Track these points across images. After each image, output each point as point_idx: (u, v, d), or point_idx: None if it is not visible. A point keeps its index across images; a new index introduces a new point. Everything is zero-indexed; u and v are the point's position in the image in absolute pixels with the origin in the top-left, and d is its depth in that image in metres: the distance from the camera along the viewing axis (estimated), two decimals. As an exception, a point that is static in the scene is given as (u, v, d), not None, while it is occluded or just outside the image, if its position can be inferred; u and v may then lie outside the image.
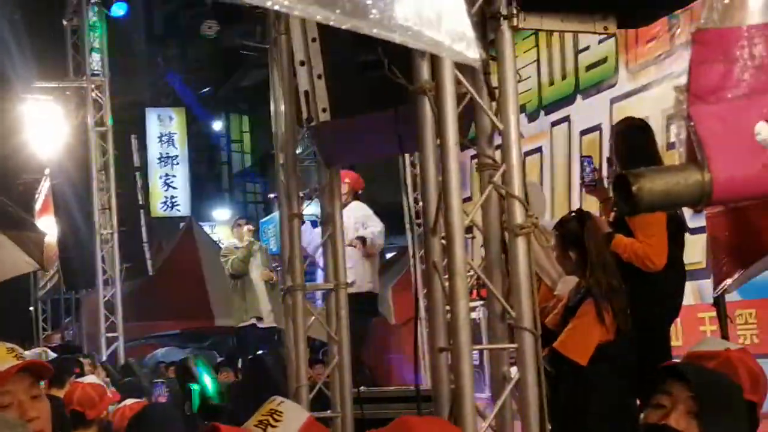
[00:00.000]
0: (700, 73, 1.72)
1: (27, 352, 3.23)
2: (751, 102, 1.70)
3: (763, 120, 1.69)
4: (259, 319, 10.49)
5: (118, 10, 13.64)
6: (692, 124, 1.70)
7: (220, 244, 17.13)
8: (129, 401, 5.70)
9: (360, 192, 8.30)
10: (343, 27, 1.76)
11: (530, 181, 8.37)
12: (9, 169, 17.42)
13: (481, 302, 6.82)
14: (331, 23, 1.77)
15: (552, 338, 4.81)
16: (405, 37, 1.76)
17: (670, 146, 7.10)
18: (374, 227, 8.06)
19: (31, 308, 19.17)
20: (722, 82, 1.72)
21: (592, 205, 6.37)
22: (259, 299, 10.53)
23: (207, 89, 30.44)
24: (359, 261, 7.85)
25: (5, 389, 2.79)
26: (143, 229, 15.82)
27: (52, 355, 8.41)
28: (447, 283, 3.43)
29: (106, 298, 13.80)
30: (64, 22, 14.68)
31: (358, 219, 7.91)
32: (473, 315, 7.55)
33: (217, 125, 32.69)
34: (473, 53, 1.80)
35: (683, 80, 1.86)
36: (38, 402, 2.87)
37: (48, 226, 14.46)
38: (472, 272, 3.65)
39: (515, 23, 3.54)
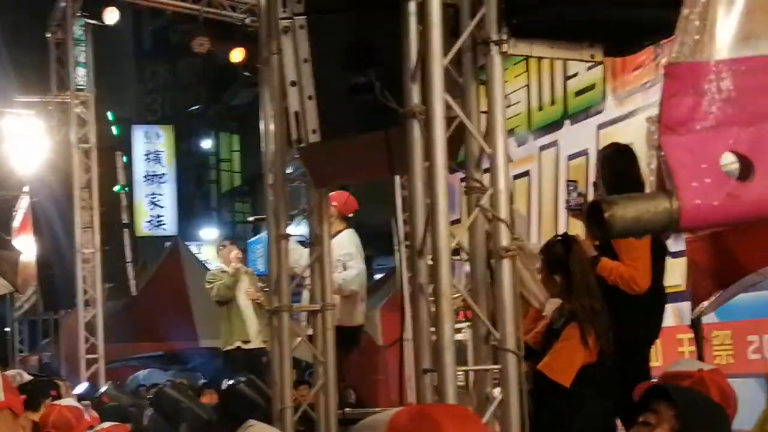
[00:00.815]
0: (670, 106, 1.79)
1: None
2: (718, 134, 1.76)
3: (729, 151, 1.75)
4: (246, 342, 10.33)
5: (111, 17, 13.35)
6: (662, 154, 1.76)
7: (207, 264, 17.04)
8: (107, 424, 5.49)
9: (350, 215, 8.11)
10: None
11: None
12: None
13: (468, 323, 6.85)
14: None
15: (531, 355, 4.86)
16: None
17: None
18: (352, 270, 7.76)
19: (7, 329, 18.81)
20: (691, 114, 1.78)
21: (578, 228, 6.42)
22: (247, 322, 10.33)
23: (196, 107, 30.42)
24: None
25: None
26: (127, 249, 15.65)
27: (28, 377, 8.24)
28: (433, 305, 3.47)
29: (87, 319, 13.54)
30: (48, 35, 14.49)
31: (341, 257, 7.54)
32: (459, 336, 7.58)
33: (206, 144, 32.65)
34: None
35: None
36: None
37: (27, 245, 14.29)
38: (458, 294, 3.68)
39: (505, 49, 3.59)
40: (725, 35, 1.86)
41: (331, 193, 7.63)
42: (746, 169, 1.76)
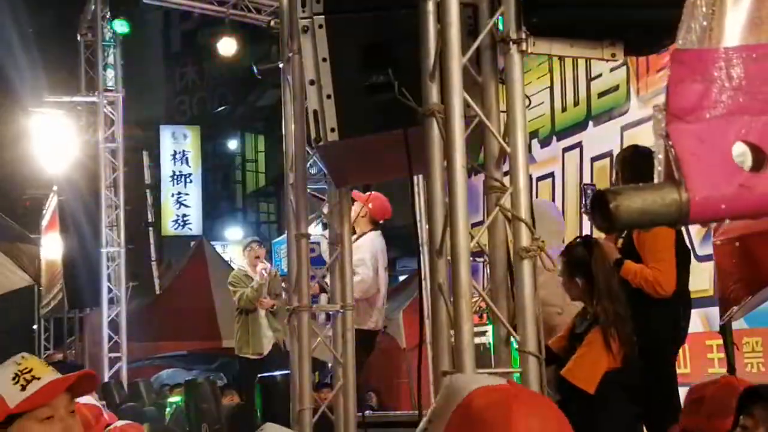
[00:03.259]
0: (678, 93, 1.72)
1: None
2: (729, 122, 1.70)
3: (740, 140, 1.69)
4: (259, 354, 10.26)
5: (122, 27, 13.60)
6: (670, 142, 1.70)
7: (232, 264, 17.04)
8: (120, 423, 5.44)
9: (381, 222, 8.02)
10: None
11: (548, 203, 8.29)
12: (16, 183, 17.22)
13: (491, 326, 6.80)
14: None
15: (555, 360, 4.81)
16: None
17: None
18: (355, 276, 7.55)
19: (35, 326, 18.94)
20: (700, 101, 1.72)
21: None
22: (262, 338, 10.25)
23: (223, 108, 30.57)
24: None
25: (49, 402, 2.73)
26: (152, 248, 15.70)
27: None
28: (452, 306, 3.42)
29: (110, 317, 13.59)
30: (78, 37, 14.63)
31: (354, 263, 7.33)
32: (482, 339, 7.51)
33: (232, 144, 32.78)
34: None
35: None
36: (74, 417, 2.82)
37: (54, 243, 14.34)
38: (478, 296, 3.64)
39: (524, 48, 3.55)
40: (736, 22, 1.80)
41: (369, 193, 7.59)
42: (759, 160, 1.70)
